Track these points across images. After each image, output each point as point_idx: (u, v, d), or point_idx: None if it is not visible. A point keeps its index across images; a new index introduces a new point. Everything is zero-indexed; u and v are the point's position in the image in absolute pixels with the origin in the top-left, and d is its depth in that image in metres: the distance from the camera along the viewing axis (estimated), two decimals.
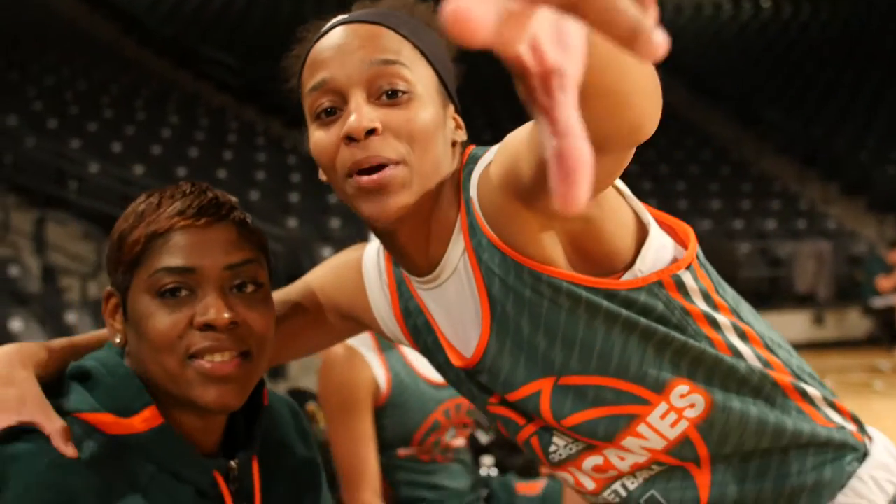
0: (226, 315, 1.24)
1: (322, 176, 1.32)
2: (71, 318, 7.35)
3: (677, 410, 1.29)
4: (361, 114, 1.22)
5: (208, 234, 1.27)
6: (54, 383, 1.29)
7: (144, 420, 1.25)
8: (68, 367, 1.30)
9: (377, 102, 1.25)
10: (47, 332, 6.82)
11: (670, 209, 14.64)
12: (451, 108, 1.32)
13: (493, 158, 1.23)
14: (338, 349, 2.40)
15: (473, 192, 1.27)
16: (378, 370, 2.43)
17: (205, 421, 1.31)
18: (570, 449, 1.36)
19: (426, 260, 1.33)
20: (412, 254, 1.33)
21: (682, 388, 1.28)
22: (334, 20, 1.34)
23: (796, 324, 12.45)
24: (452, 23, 0.51)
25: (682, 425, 1.29)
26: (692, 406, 1.29)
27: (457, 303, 1.33)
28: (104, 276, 9.15)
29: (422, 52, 1.29)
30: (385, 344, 2.44)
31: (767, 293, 12.92)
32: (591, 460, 1.35)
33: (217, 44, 18.39)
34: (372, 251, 1.50)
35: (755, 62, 22.77)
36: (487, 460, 2.99)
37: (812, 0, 26.15)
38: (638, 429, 1.29)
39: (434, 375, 2.45)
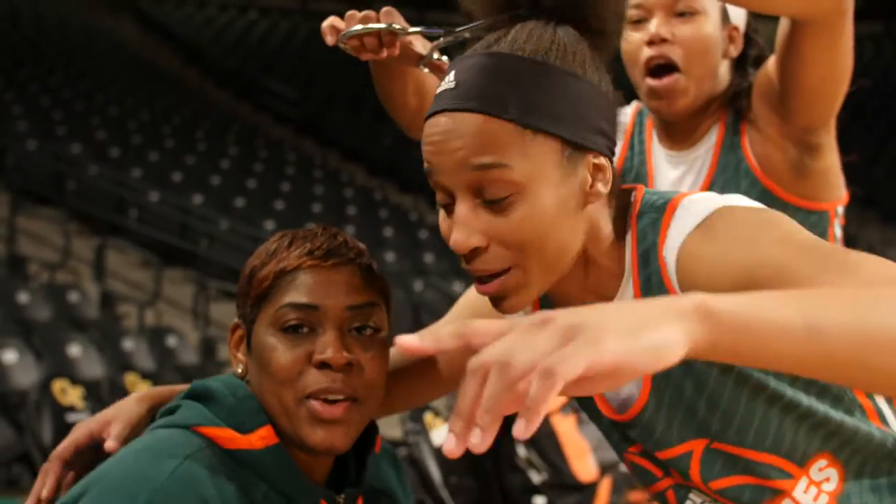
0: (343, 354, 1.29)
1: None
2: (128, 344, 7.43)
3: (816, 484, 1.28)
4: (461, 231, 1.17)
5: (334, 275, 1.32)
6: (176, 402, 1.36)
7: (261, 438, 1.30)
8: (191, 385, 1.36)
9: (483, 208, 1.17)
10: (104, 359, 6.90)
11: None
12: (588, 160, 1.18)
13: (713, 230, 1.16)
14: None
15: (671, 256, 1.19)
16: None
17: (312, 457, 1.35)
18: None
19: None
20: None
21: (822, 461, 1.28)
22: (439, 96, 1.21)
23: None
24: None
25: (823, 499, 1.28)
26: (828, 480, 1.28)
27: None
28: (161, 303, 9.29)
29: (536, 128, 1.16)
30: (636, 135, 2.04)
31: None
32: None
33: (277, 76, 18.64)
34: None
35: None
36: (539, 501, 2.98)
37: (874, 39, 25.91)
38: (783, 502, 1.29)
39: None
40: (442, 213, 1.22)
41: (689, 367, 1.22)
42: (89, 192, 11.11)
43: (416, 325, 9.61)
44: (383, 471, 1.48)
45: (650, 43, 1.71)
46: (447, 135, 1.17)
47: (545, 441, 4.53)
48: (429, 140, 1.19)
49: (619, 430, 1.37)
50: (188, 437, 1.29)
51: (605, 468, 4.68)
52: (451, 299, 10.28)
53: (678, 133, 1.83)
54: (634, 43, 1.73)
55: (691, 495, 1.36)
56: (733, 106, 1.81)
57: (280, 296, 1.32)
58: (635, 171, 1.86)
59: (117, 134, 13.61)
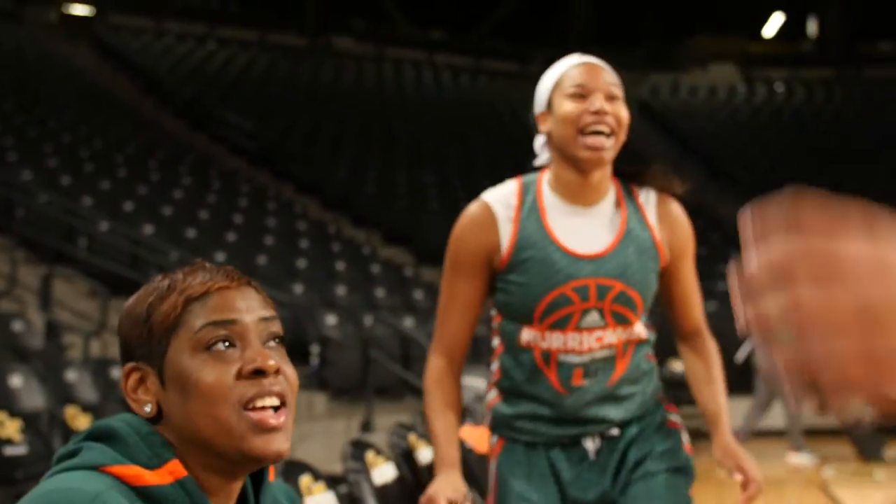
0: (271, 362, 1.35)
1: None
2: (71, 375, 7.35)
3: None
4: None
5: (241, 292, 1.41)
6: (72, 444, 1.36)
7: (170, 473, 1.32)
8: (91, 426, 1.37)
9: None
10: (47, 389, 6.82)
11: None
12: None
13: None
14: (472, 206, 2.41)
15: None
16: (504, 231, 2.37)
17: (229, 483, 1.39)
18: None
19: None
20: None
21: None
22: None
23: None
24: None
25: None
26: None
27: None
28: (107, 334, 9.20)
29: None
30: (529, 204, 2.38)
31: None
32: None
33: (234, 107, 18.62)
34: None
35: (767, 145, 22.91)
36: None
37: (825, 84, 26.36)
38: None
39: (577, 247, 2.34)
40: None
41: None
42: (38, 220, 11.01)
43: (364, 360, 9.60)
44: (278, 501, 1.51)
45: (595, 113, 2.29)
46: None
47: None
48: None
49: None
50: (95, 478, 1.29)
51: None
52: (401, 335, 10.30)
53: (587, 190, 2.38)
54: (576, 111, 2.31)
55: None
56: (629, 179, 2.52)
57: (194, 320, 1.37)
58: (533, 234, 2.37)
59: (69, 161, 13.51)
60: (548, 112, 2.37)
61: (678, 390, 11.75)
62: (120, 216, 11.61)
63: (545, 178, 2.40)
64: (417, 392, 9.58)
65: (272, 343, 1.40)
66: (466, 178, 18.41)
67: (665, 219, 2.45)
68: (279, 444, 1.35)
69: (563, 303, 2.30)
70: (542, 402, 2.37)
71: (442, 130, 20.93)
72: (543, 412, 2.38)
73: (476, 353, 11.02)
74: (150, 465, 1.33)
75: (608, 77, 2.35)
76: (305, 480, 3.21)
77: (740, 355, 10.29)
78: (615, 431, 2.41)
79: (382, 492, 3.65)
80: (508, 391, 2.43)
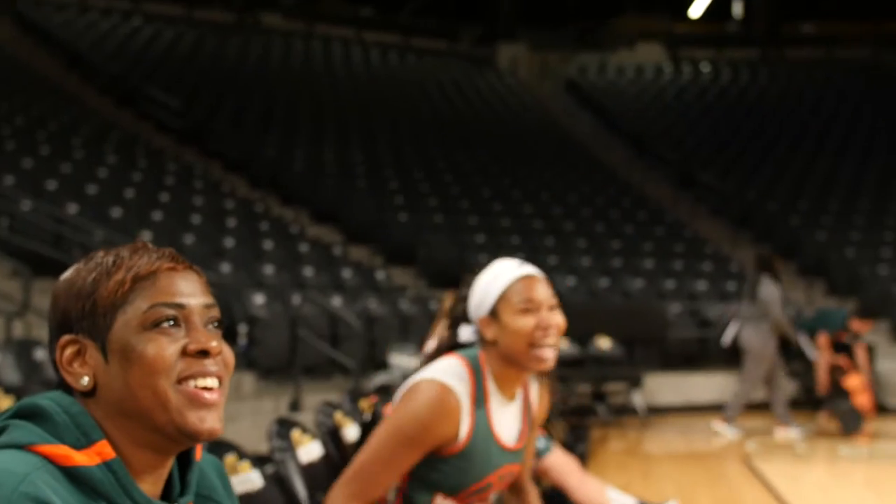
0: (214, 343, 1.41)
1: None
2: None
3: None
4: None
5: (187, 277, 1.45)
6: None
7: (98, 453, 1.33)
8: (16, 404, 1.37)
9: None
10: None
11: (604, 267, 14.80)
12: None
13: None
14: (440, 387, 2.55)
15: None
16: (464, 422, 2.57)
17: (160, 461, 1.41)
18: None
19: None
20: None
21: None
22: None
23: (724, 384, 12.60)
24: None
25: None
26: None
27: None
28: (30, 315, 9.05)
29: None
30: (479, 396, 2.61)
31: (696, 353, 13.08)
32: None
33: (160, 84, 18.36)
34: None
35: (693, 125, 23.20)
36: None
37: (750, 65, 26.73)
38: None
39: (506, 440, 2.67)
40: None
41: None
42: None
43: (292, 339, 9.57)
44: (208, 478, 1.53)
45: (545, 327, 2.54)
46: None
47: None
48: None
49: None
50: (23, 457, 1.28)
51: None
52: (329, 313, 10.28)
53: (518, 385, 2.68)
54: (529, 328, 2.54)
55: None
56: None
57: (141, 299, 1.41)
58: (483, 429, 2.60)
59: None
60: (492, 319, 2.60)
61: (603, 366, 11.92)
62: (43, 195, 11.42)
63: (486, 366, 2.62)
64: (345, 371, 9.59)
65: (211, 327, 1.45)
66: (395, 156, 18.40)
67: (542, 398, 2.84)
68: (213, 421, 1.39)
69: (487, 487, 2.64)
70: None
71: (370, 108, 20.86)
72: None
73: (404, 332, 11.07)
74: (78, 446, 1.33)
75: (548, 289, 2.61)
76: (230, 459, 3.20)
77: (726, 339, 10.54)
78: None
79: (308, 470, 3.65)
80: None
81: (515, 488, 2.88)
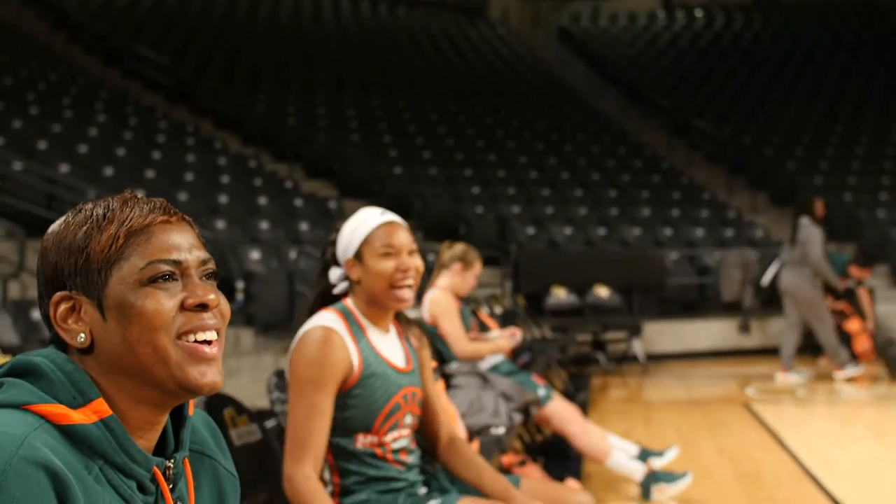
0: (212, 296, 1.40)
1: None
2: None
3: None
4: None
5: (181, 229, 1.43)
6: None
7: (94, 412, 1.32)
8: (10, 361, 1.35)
9: None
10: None
11: (601, 217, 14.75)
12: None
13: None
14: (319, 330, 2.73)
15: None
16: (353, 352, 2.74)
17: (156, 417, 1.40)
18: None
19: None
20: None
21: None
22: None
23: (722, 331, 12.61)
24: None
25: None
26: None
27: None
28: (25, 275, 9.00)
29: None
30: (356, 330, 2.79)
31: (695, 301, 13.06)
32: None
33: (148, 42, 18.18)
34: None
35: (688, 72, 23.04)
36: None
37: (744, 11, 26.53)
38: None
39: (396, 361, 2.83)
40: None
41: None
42: None
43: (290, 294, 9.53)
44: (200, 433, 1.53)
45: (404, 271, 2.75)
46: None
47: None
48: None
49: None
50: (20, 417, 1.26)
51: (473, 433, 4.71)
52: None
53: (387, 320, 2.87)
54: (389, 270, 2.75)
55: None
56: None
57: (138, 255, 1.38)
58: (369, 354, 2.78)
59: None
60: (357, 262, 2.81)
61: (602, 315, 11.90)
62: (34, 155, 11.32)
63: (353, 306, 2.83)
64: None
65: (205, 278, 1.43)
66: (388, 109, 18.26)
67: (421, 342, 2.98)
68: (213, 375, 1.39)
69: (396, 409, 2.79)
70: (388, 479, 2.82)
71: (362, 62, 20.69)
72: (394, 485, 2.83)
73: None
74: (74, 404, 1.31)
75: (408, 235, 2.81)
76: (229, 412, 3.18)
77: (765, 279, 10.55)
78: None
79: None
80: (353, 485, 2.80)
81: (446, 445, 2.95)
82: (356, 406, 2.75)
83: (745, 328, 12.56)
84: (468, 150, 16.87)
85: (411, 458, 2.89)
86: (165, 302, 1.37)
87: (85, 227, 1.39)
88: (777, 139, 18.72)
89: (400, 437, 2.83)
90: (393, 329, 2.91)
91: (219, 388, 1.40)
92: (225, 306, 1.44)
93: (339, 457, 2.79)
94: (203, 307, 1.39)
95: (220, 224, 11.05)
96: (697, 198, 16.41)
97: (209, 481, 1.52)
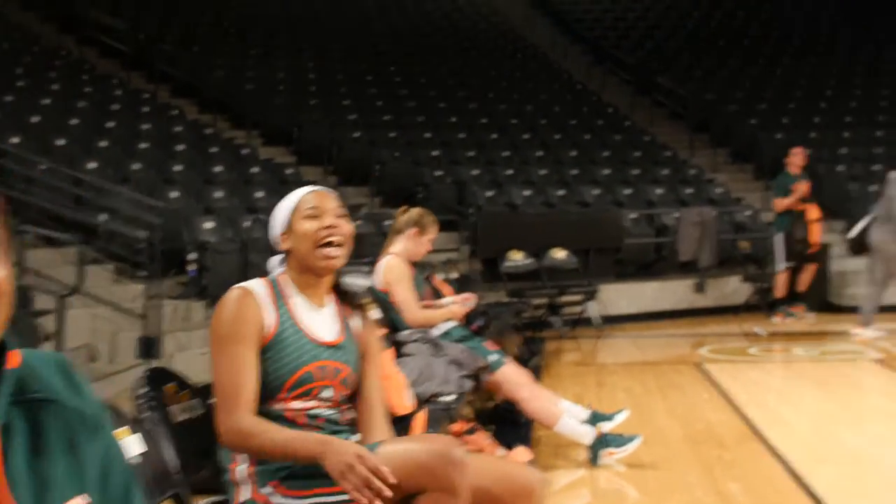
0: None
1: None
2: None
3: None
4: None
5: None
6: None
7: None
8: None
9: None
10: None
11: (560, 177, 14.66)
12: None
13: None
14: (235, 290, 2.82)
15: None
16: (268, 312, 2.80)
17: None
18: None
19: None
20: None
21: None
22: None
23: (678, 291, 12.66)
24: None
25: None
26: None
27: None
28: None
29: None
30: (279, 296, 2.86)
31: (651, 262, 13.10)
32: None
33: (104, 8, 17.94)
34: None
35: (651, 30, 22.97)
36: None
37: None
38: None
39: (317, 334, 2.87)
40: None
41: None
42: None
43: (243, 265, 9.48)
44: (44, 380, 1.46)
45: (328, 228, 2.85)
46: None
47: None
48: None
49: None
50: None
51: (422, 401, 4.72)
52: None
53: (319, 292, 2.94)
54: (314, 228, 2.85)
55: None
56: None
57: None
58: (286, 320, 2.83)
59: None
60: (288, 232, 2.90)
61: (558, 277, 11.87)
62: None
63: (284, 277, 2.91)
64: None
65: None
66: (348, 72, 18.12)
67: (369, 329, 3.02)
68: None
69: (308, 379, 2.80)
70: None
71: (323, 24, 20.50)
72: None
73: (358, 251, 10.98)
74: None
75: (336, 201, 2.92)
76: (171, 387, 3.15)
77: (852, 232, 10.56)
78: None
79: None
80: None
81: (367, 421, 2.95)
82: (265, 370, 2.76)
83: (700, 288, 12.61)
84: (429, 113, 16.78)
85: (334, 424, 2.87)
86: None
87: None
88: (740, 96, 18.71)
89: (316, 408, 2.83)
90: (332, 306, 2.95)
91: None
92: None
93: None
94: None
95: (174, 193, 10.96)
96: (658, 156, 16.40)
97: (57, 425, 1.45)
